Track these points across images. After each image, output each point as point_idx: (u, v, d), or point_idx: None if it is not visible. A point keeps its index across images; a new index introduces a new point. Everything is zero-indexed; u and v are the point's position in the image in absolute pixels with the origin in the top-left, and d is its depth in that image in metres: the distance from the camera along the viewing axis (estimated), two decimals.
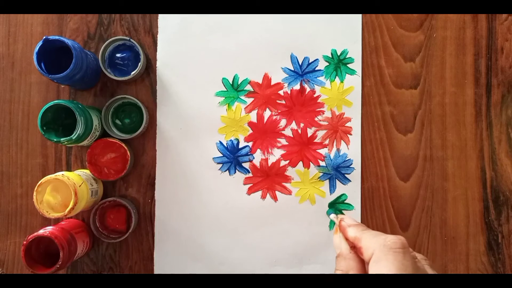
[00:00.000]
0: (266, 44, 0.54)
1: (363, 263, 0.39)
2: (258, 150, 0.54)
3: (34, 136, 0.54)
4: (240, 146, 0.54)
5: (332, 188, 0.54)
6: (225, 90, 0.54)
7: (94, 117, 0.50)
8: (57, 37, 0.46)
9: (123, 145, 0.51)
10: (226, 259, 0.54)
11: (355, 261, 0.39)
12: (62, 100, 0.47)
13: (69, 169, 0.54)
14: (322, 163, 0.54)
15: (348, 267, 0.38)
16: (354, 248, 0.39)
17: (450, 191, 0.54)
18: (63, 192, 0.47)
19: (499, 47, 0.54)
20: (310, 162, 0.54)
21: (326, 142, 0.54)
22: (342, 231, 0.41)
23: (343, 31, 0.54)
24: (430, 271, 0.38)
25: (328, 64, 0.54)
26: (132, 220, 0.52)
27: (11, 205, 0.54)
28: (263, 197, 0.54)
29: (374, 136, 0.54)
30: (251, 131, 0.54)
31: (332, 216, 0.49)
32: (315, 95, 0.54)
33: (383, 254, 0.36)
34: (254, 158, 0.54)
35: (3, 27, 0.54)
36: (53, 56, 0.48)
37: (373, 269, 0.35)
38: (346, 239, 0.40)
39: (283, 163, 0.54)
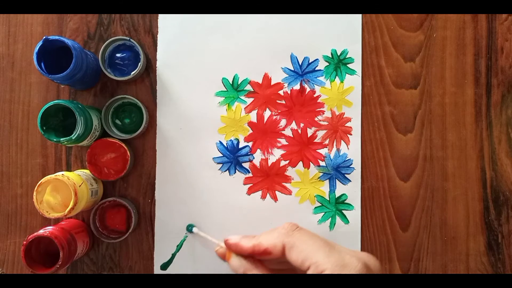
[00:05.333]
0: (266, 44, 0.54)
1: (266, 267, 0.42)
2: (258, 150, 0.54)
3: (34, 136, 0.54)
4: (240, 146, 0.54)
5: (332, 188, 0.54)
6: (225, 90, 0.54)
7: (94, 117, 0.50)
8: (57, 37, 0.46)
9: (123, 145, 0.51)
10: None
11: (262, 268, 0.41)
12: (62, 100, 0.47)
13: (69, 169, 0.54)
14: (322, 163, 0.54)
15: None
16: (254, 257, 0.41)
17: (450, 191, 0.54)
18: (63, 192, 0.47)
19: (499, 47, 0.54)
20: (310, 162, 0.54)
21: (326, 142, 0.54)
22: (235, 248, 0.42)
23: (343, 31, 0.54)
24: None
25: (328, 64, 0.54)
26: (132, 220, 0.52)
27: (11, 205, 0.54)
28: (263, 197, 0.54)
29: (374, 136, 0.54)
30: (251, 131, 0.54)
31: (195, 230, 0.51)
32: (315, 95, 0.54)
33: (292, 238, 0.39)
34: (254, 158, 0.54)
35: (3, 27, 0.54)
36: (53, 56, 0.48)
37: (294, 254, 0.38)
38: (243, 252, 0.41)
39: (283, 163, 0.54)
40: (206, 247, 0.54)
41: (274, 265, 0.43)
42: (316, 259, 0.37)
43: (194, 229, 0.52)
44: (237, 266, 0.42)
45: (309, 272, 0.37)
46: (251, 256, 0.41)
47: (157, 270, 0.54)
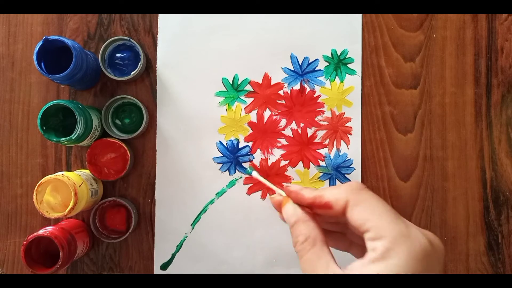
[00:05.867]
0: (266, 44, 0.54)
1: (318, 223, 0.38)
2: (258, 150, 0.54)
3: (34, 136, 0.54)
4: (240, 146, 0.54)
5: None
6: (225, 90, 0.54)
7: (94, 117, 0.50)
8: (57, 37, 0.46)
9: (123, 145, 0.51)
10: (226, 259, 0.54)
11: (315, 221, 0.38)
12: (62, 100, 0.47)
13: (69, 169, 0.54)
14: (322, 163, 0.54)
15: (310, 228, 0.37)
16: (312, 209, 0.38)
17: (450, 191, 0.54)
18: (63, 192, 0.47)
19: (499, 47, 0.54)
20: (310, 162, 0.54)
21: (326, 142, 0.54)
22: (295, 196, 0.39)
23: (343, 31, 0.54)
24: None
25: (328, 64, 0.54)
26: (132, 220, 0.52)
27: (11, 205, 0.54)
28: (263, 197, 0.54)
29: (374, 136, 0.54)
30: (251, 131, 0.54)
31: (255, 174, 0.46)
32: (315, 95, 0.54)
33: (358, 196, 0.36)
34: (254, 158, 0.54)
35: (3, 27, 0.54)
36: (53, 56, 0.48)
37: (356, 213, 0.35)
38: (303, 202, 0.38)
39: (283, 163, 0.54)
40: (206, 247, 0.54)
41: (327, 224, 0.41)
42: (379, 223, 0.34)
43: (254, 173, 0.49)
44: (290, 214, 0.39)
45: (367, 235, 0.34)
46: (309, 207, 0.38)
47: (157, 270, 0.54)
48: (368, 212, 0.35)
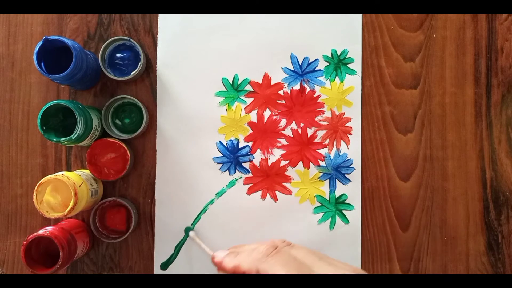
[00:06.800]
0: (266, 44, 0.54)
1: None
2: (258, 150, 0.54)
3: (34, 136, 0.54)
4: (240, 146, 0.54)
5: (332, 188, 0.54)
6: (225, 90, 0.54)
7: (94, 117, 0.50)
8: (57, 37, 0.46)
9: (123, 145, 0.51)
10: None
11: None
12: (62, 100, 0.47)
13: (69, 169, 0.54)
14: (322, 163, 0.54)
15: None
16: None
17: (450, 191, 0.54)
18: (63, 192, 0.47)
19: (499, 47, 0.54)
20: (310, 162, 0.54)
21: (326, 142, 0.54)
22: (219, 267, 0.42)
23: (343, 31, 0.54)
24: (295, 251, 0.40)
25: (328, 64, 0.54)
26: (132, 220, 0.52)
27: (11, 205, 0.54)
28: (263, 197, 0.54)
29: (374, 136, 0.54)
30: (251, 131, 0.54)
31: (192, 234, 0.52)
32: (315, 95, 0.54)
33: (266, 265, 0.38)
34: (254, 158, 0.54)
35: (3, 27, 0.54)
36: (53, 56, 0.48)
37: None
38: (227, 271, 0.41)
39: (283, 163, 0.54)
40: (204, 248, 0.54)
41: None
42: None
43: (191, 233, 0.52)
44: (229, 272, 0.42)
45: None
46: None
47: (157, 270, 0.54)
48: None
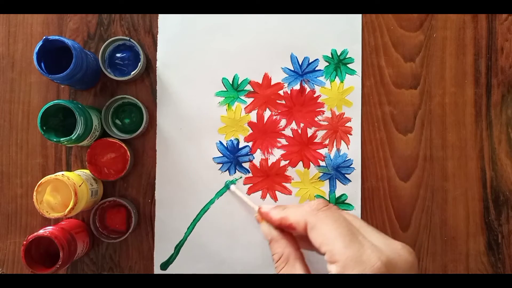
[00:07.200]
0: (266, 44, 0.54)
1: (295, 239, 0.41)
2: (258, 150, 0.54)
3: (34, 136, 0.54)
4: (240, 146, 0.54)
5: (332, 188, 0.54)
6: (225, 90, 0.54)
7: (94, 117, 0.50)
8: (57, 37, 0.46)
9: (123, 145, 0.51)
10: (226, 259, 0.54)
11: (287, 239, 0.41)
12: (62, 100, 0.47)
13: (69, 169, 0.54)
14: (322, 163, 0.54)
15: (283, 247, 0.40)
16: (283, 228, 0.41)
17: (450, 191, 0.54)
18: (63, 192, 0.47)
19: (499, 47, 0.54)
20: (310, 162, 0.54)
21: (326, 142, 0.54)
22: (266, 217, 0.43)
23: (343, 31, 0.54)
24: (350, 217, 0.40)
25: (328, 64, 0.54)
26: (132, 220, 0.52)
27: (11, 205, 0.54)
28: (263, 197, 0.54)
29: (374, 136, 0.54)
30: (251, 131, 0.54)
31: (233, 188, 0.52)
32: (315, 95, 0.54)
33: (315, 218, 0.38)
34: (254, 158, 0.54)
35: (3, 27, 0.54)
36: (53, 56, 0.48)
37: (314, 236, 0.37)
38: (272, 223, 0.42)
39: (283, 163, 0.54)
40: (206, 247, 0.54)
41: (302, 241, 0.43)
42: (333, 247, 0.35)
43: (232, 187, 0.52)
44: (266, 233, 0.43)
45: (325, 257, 0.36)
46: (279, 227, 0.42)
47: (157, 270, 0.54)
48: (323, 236, 0.36)
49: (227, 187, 0.53)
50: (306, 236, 0.40)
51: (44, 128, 0.47)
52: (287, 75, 0.54)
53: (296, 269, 0.39)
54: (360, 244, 0.35)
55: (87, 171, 0.52)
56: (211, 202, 0.54)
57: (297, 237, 0.43)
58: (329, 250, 0.35)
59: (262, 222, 0.44)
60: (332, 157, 0.54)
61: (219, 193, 0.54)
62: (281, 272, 0.39)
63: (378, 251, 0.35)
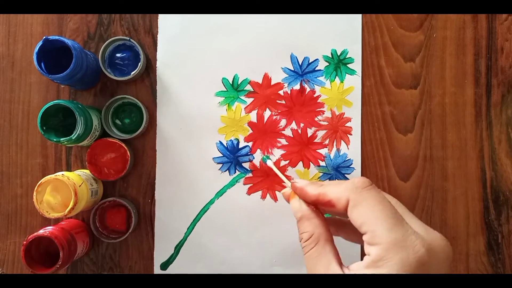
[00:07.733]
0: (266, 44, 0.54)
1: (326, 220, 0.38)
2: (258, 150, 0.54)
3: (34, 136, 0.54)
4: (240, 146, 0.54)
5: None
6: (225, 90, 0.54)
7: (94, 117, 0.50)
8: (57, 37, 0.46)
9: (123, 145, 0.51)
10: (226, 259, 0.54)
11: (319, 218, 0.38)
12: (62, 100, 0.47)
13: (69, 169, 0.54)
14: (322, 163, 0.54)
15: (314, 226, 0.37)
16: (316, 206, 0.38)
17: (450, 191, 0.54)
18: (63, 192, 0.47)
19: (499, 47, 0.54)
20: (310, 162, 0.54)
21: (326, 142, 0.54)
22: (300, 192, 0.39)
23: (343, 31, 0.54)
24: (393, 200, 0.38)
25: (328, 64, 0.54)
26: (132, 220, 0.52)
27: (11, 205, 0.54)
28: (263, 197, 0.54)
29: (374, 136, 0.54)
30: (251, 131, 0.54)
31: (269, 162, 0.49)
32: (315, 95, 0.54)
33: (359, 196, 0.35)
34: (254, 158, 0.54)
35: (3, 27, 0.54)
36: (53, 56, 0.48)
37: (355, 214, 0.35)
38: (307, 198, 0.39)
39: (283, 163, 0.54)
40: (206, 247, 0.54)
41: (333, 224, 0.41)
42: (375, 228, 0.33)
43: (269, 162, 0.50)
44: (296, 209, 0.39)
45: (364, 238, 0.33)
46: (314, 204, 0.39)
47: (157, 270, 0.54)
48: (366, 215, 0.34)
49: (264, 161, 0.52)
50: (337, 221, 0.38)
51: (44, 128, 0.47)
52: (287, 75, 0.54)
53: (326, 251, 0.36)
54: (404, 228, 0.33)
55: (87, 171, 0.52)
56: (211, 202, 0.54)
57: (328, 220, 0.40)
58: (371, 231, 0.33)
59: (292, 198, 0.40)
60: (332, 157, 0.54)
61: (219, 193, 0.54)
62: (309, 253, 0.36)
63: (422, 238, 0.33)
